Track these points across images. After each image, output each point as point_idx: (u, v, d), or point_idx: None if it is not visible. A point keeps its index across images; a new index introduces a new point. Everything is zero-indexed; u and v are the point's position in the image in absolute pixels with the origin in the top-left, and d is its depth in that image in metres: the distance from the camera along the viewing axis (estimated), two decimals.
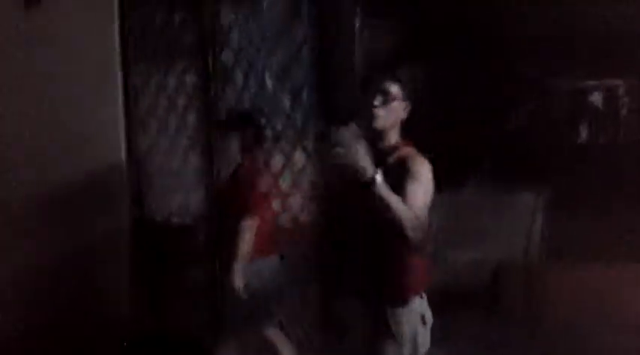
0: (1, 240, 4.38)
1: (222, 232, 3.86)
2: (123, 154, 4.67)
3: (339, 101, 4.27)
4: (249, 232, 3.61)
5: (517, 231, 5.61)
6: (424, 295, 2.92)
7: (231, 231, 3.63)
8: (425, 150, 2.84)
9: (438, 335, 5.08)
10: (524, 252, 5.59)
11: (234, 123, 3.88)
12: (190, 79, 4.56)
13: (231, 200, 3.73)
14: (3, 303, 4.35)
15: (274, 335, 3.84)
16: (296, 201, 4.36)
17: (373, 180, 2.36)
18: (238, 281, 3.61)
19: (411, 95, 2.76)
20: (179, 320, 4.62)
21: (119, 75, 4.67)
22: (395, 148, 2.71)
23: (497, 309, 5.51)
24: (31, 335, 4.28)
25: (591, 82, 5.56)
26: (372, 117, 2.60)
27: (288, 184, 4.36)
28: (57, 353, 4.21)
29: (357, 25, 4.25)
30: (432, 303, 5.44)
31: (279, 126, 4.35)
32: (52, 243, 4.46)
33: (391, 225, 2.42)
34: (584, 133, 5.63)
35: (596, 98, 5.56)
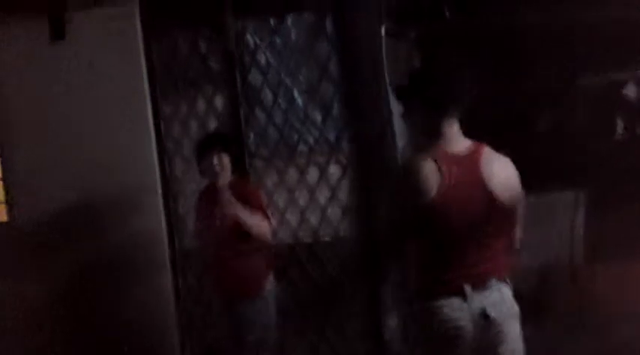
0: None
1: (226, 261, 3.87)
2: (158, 180, 4.65)
3: (368, 113, 4.27)
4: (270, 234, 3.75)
5: (559, 233, 5.53)
6: None
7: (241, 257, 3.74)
8: None
9: None
10: (568, 253, 5.50)
11: (223, 143, 3.93)
12: (219, 102, 4.57)
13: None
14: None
15: None
16: (334, 213, 4.34)
17: None
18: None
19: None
20: None
21: (148, 105, 4.68)
22: None
23: (546, 313, 5.43)
24: None
25: (624, 74, 5.47)
26: None
27: (325, 197, 4.35)
28: None
29: (383, 34, 4.24)
30: None
31: (311, 141, 4.35)
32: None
33: None
34: (620, 127, 5.53)
35: (630, 90, 5.47)
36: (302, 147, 4.40)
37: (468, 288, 2.52)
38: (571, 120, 5.53)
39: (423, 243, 2.58)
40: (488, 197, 2.60)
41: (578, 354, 4.67)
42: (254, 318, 3.83)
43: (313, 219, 4.42)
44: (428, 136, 2.68)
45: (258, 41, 4.44)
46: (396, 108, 4.42)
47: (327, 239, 4.41)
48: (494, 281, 2.59)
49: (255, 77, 4.46)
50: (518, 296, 5.33)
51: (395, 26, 4.55)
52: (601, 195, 5.40)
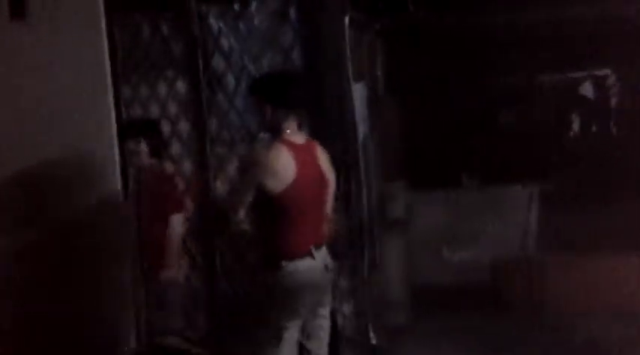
0: None
1: (147, 233, 4.08)
2: (117, 166, 4.63)
3: (330, 101, 4.29)
4: (179, 226, 3.98)
5: (514, 226, 5.63)
6: None
7: (158, 229, 3.94)
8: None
9: (442, 331, 5.13)
10: (521, 246, 5.61)
11: (139, 130, 4.11)
12: (181, 86, 4.55)
13: (153, 201, 4.02)
14: None
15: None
16: None
17: None
18: (172, 272, 3.95)
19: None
20: None
21: (109, 87, 4.64)
22: None
23: (497, 304, 5.53)
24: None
25: (580, 74, 5.60)
26: None
27: None
28: None
29: (347, 24, 4.27)
30: (434, 301, 5.48)
31: None
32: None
33: None
34: (575, 125, 5.66)
35: (587, 89, 5.60)
36: (263, 134, 4.39)
37: (313, 249, 3.20)
38: (529, 117, 5.65)
39: (281, 217, 3.15)
40: (323, 178, 3.33)
41: (531, 345, 4.76)
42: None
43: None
44: (274, 128, 3.23)
45: (222, 26, 4.42)
46: (357, 96, 4.47)
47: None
48: (324, 242, 3.33)
49: (218, 62, 4.43)
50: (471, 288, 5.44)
51: (359, 17, 4.59)
52: (555, 190, 5.52)
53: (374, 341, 4.51)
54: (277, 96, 3.21)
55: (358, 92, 4.55)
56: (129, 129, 4.12)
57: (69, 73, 4.47)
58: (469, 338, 4.94)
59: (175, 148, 4.58)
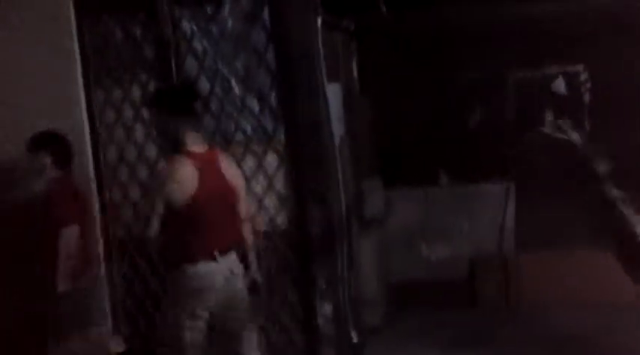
0: None
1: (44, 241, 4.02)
2: (90, 167, 4.60)
3: (305, 103, 4.29)
4: (71, 238, 3.92)
5: (490, 223, 5.67)
6: None
7: (53, 239, 3.90)
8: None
9: (419, 328, 5.17)
10: (497, 243, 5.66)
11: (43, 143, 4.06)
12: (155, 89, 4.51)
13: (51, 211, 3.97)
14: None
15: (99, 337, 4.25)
16: (271, 203, 4.36)
17: None
18: (62, 285, 3.90)
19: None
20: None
21: (81, 90, 4.59)
22: None
23: (475, 302, 5.58)
24: None
25: (553, 69, 5.63)
26: None
27: (262, 187, 4.36)
28: None
29: (319, 25, 4.26)
30: (411, 298, 5.53)
31: (249, 131, 4.35)
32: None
33: None
34: (548, 121, 5.69)
35: (560, 84, 5.63)
36: (239, 136, 4.38)
37: (217, 255, 3.35)
38: (502, 113, 5.67)
39: (186, 225, 3.28)
40: (227, 186, 3.47)
41: (507, 342, 4.81)
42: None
43: (251, 208, 4.43)
44: (175, 141, 3.36)
45: (194, 28, 4.39)
46: (332, 95, 4.47)
47: (264, 228, 4.42)
48: (232, 248, 3.47)
49: (191, 65, 4.41)
50: (449, 285, 5.50)
51: (331, 18, 4.58)
52: (530, 186, 5.56)
53: (355, 340, 4.54)
54: (175, 108, 3.37)
55: (333, 92, 4.56)
56: (33, 142, 4.09)
57: (40, 78, 4.45)
58: (445, 335, 4.99)
59: (150, 152, 4.55)
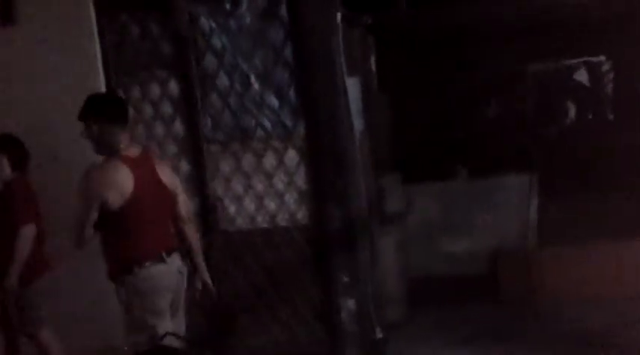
0: None
1: (1, 240, 4.11)
2: None
3: (324, 98, 4.28)
4: (29, 237, 4.04)
5: (512, 217, 5.63)
6: None
7: (8, 239, 4.01)
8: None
9: (441, 323, 5.14)
10: (520, 237, 5.60)
11: (0, 145, 4.18)
12: (174, 87, 4.53)
13: (6, 211, 4.08)
14: None
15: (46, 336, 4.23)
16: (291, 199, 4.36)
17: None
18: (14, 281, 4.00)
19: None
20: None
21: (102, 89, 4.61)
22: None
23: (496, 296, 5.53)
24: None
25: (576, 60, 5.58)
26: None
27: (283, 183, 4.36)
28: None
29: (339, 21, 4.25)
30: (432, 293, 5.48)
31: (269, 127, 4.36)
32: None
33: None
34: (572, 112, 5.65)
35: (582, 75, 5.58)
36: (259, 132, 4.39)
37: (164, 255, 3.37)
38: (524, 105, 5.63)
39: (126, 228, 3.31)
40: (163, 187, 3.48)
41: (530, 337, 4.76)
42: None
43: (272, 204, 4.44)
44: (108, 146, 3.36)
45: (213, 25, 4.40)
46: (351, 90, 4.45)
47: (284, 224, 4.41)
48: (175, 249, 3.49)
49: (210, 61, 4.41)
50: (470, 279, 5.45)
51: (351, 14, 4.57)
52: (554, 179, 5.51)
53: (378, 336, 4.52)
54: (107, 114, 3.40)
55: (352, 87, 4.54)
56: (4, 142, 4.21)
57: (61, 77, 4.47)
58: (467, 330, 4.96)
59: (171, 148, 4.57)
